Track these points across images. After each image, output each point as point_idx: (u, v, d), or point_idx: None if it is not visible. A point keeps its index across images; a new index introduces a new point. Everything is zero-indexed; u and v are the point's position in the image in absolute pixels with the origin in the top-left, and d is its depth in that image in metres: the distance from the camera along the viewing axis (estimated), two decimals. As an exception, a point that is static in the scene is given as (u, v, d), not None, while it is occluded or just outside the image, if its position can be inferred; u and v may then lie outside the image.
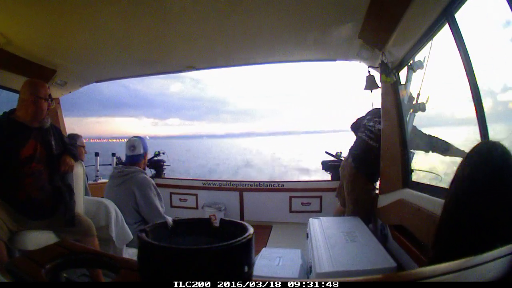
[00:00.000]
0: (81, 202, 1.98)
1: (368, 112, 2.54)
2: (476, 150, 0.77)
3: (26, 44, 2.09)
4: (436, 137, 1.96)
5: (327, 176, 3.84)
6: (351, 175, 2.41)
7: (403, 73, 2.01)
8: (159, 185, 2.47)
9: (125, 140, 2.33)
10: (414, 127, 2.03)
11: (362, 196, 2.38)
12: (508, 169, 0.72)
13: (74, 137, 2.45)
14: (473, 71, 1.27)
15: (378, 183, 2.60)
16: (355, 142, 2.56)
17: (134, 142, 2.24)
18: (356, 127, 2.60)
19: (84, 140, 2.58)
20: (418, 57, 1.83)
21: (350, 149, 2.57)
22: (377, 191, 2.48)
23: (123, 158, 3.80)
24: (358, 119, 2.61)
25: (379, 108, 2.33)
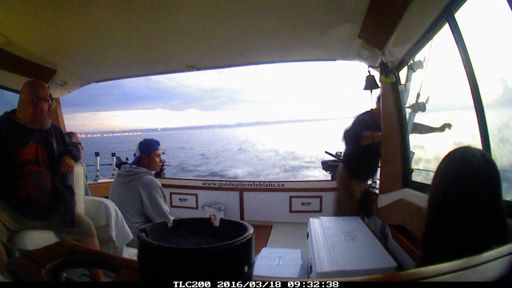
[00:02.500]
0: (82, 202, 1.98)
1: (354, 121, 2.57)
2: (447, 156, 0.84)
3: (26, 44, 2.09)
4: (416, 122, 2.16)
5: (327, 176, 3.85)
6: (340, 177, 2.68)
7: (403, 73, 2.01)
8: None
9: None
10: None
11: (344, 195, 2.60)
12: (469, 173, 0.77)
13: (70, 134, 2.47)
14: (473, 71, 1.27)
15: (371, 181, 2.77)
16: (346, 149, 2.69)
17: (137, 145, 2.32)
18: (349, 138, 2.61)
19: (80, 136, 2.63)
20: (418, 57, 1.83)
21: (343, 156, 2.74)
22: (376, 190, 2.48)
23: (123, 158, 3.83)
24: (348, 130, 2.61)
25: (365, 113, 2.51)
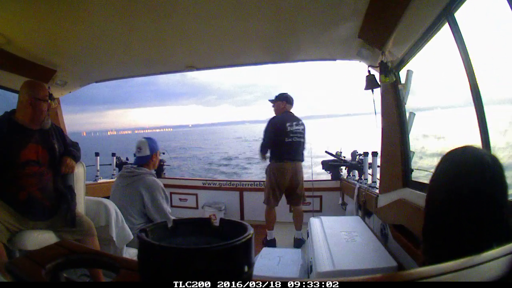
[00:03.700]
0: (82, 203, 1.98)
1: (271, 122, 3.13)
2: (447, 154, 0.83)
3: (26, 44, 2.09)
4: None
5: (327, 176, 3.85)
6: (299, 168, 3.09)
7: (403, 73, 2.01)
8: None
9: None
10: None
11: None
12: (467, 173, 0.76)
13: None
14: (473, 71, 1.27)
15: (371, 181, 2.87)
16: (289, 147, 3.05)
17: (141, 144, 2.25)
18: (275, 138, 3.07)
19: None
20: (418, 56, 1.83)
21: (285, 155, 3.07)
22: (376, 190, 2.48)
23: (123, 158, 3.84)
24: (272, 136, 3.10)
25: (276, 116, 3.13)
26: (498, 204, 0.75)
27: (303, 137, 3.10)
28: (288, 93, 3.23)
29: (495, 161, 0.76)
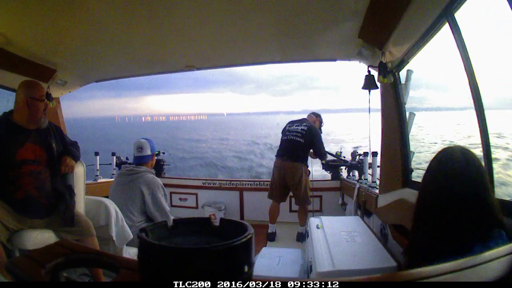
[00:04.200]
0: (82, 202, 1.98)
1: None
2: (435, 155, 0.87)
3: (26, 44, 2.09)
4: None
5: (327, 176, 3.84)
6: (292, 168, 3.07)
7: (403, 73, 2.01)
8: None
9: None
10: None
11: (306, 179, 3.12)
12: (446, 173, 0.80)
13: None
14: (473, 71, 1.27)
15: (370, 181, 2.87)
16: (283, 145, 3.22)
17: (142, 144, 2.28)
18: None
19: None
20: (418, 56, 1.83)
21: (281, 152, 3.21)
22: (376, 190, 2.48)
23: (123, 158, 3.84)
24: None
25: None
26: (478, 204, 0.77)
27: (302, 138, 3.11)
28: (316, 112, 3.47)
29: (475, 160, 0.81)
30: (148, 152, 2.27)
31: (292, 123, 3.29)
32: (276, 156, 3.25)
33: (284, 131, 3.27)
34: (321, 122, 3.41)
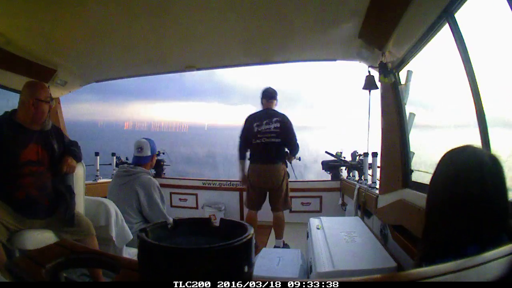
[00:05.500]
0: (82, 202, 1.98)
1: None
2: (446, 154, 0.83)
3: (26, 43, 2.09)
4: None
5: (327, 176, 3.84)
6: (275, 170, 2.80)
7: (403, 73, 2.01)
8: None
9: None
10: None
11: (287, 180, 2.88)
12: (466, 174, 0.76)
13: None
14: (473, 71, 1.27)
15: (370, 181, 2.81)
16: (256, 149, 2.84)
17: (142, 144, 2.25)
18: (246, 139, 2.89)
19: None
20: (418, 56, 1.83)
21: (258, 157, 2.87)
22: (376, 191, 2.48)
23: (123, 158, 3.83)
24: (242, 136, 2.92)
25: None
26: (498, 206, 0.74)
27: (278, 137, 2.78)
28: (271, 88, 2.96)
29: (494, 162, 0.75)
30: (148, 153, 2.25)
31: (259, 119, 2.83)
32: (251, 162, 2.87)
33: (252, 133, 2.81)
34: (277, 100, 2.95)
